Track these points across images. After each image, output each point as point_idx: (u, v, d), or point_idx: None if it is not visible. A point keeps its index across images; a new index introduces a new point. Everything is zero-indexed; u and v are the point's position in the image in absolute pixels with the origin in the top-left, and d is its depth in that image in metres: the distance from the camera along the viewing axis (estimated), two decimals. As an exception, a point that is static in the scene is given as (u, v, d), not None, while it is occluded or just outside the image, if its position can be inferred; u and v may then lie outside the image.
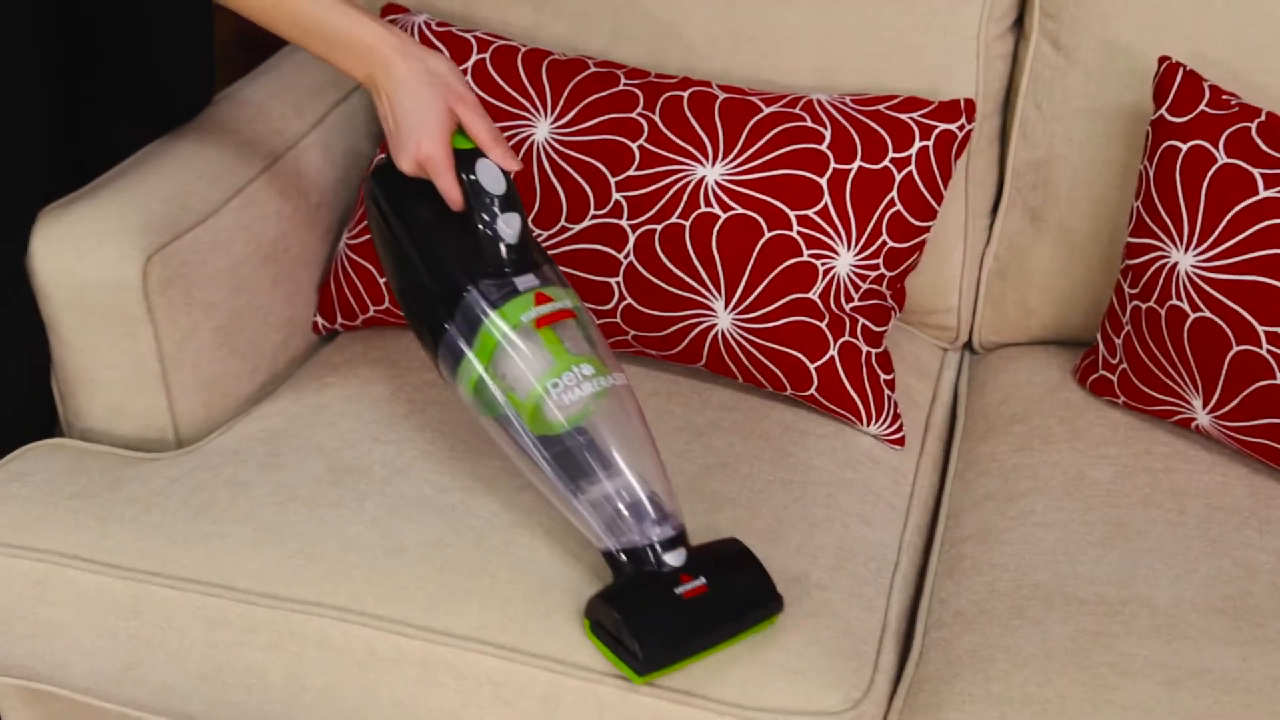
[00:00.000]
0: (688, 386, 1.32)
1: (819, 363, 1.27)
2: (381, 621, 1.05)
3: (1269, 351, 1.16)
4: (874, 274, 1.28)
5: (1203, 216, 1.20)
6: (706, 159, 1.27)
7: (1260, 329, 1.16)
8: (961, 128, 1.31)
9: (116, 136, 1.33)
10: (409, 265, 1.09)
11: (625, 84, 1.33)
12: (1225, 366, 1.18)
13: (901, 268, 1.32)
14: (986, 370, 1.44)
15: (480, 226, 1.06)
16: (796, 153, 1.27)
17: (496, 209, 1.06)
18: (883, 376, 1.30)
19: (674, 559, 1.01)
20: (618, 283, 1.29)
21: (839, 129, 1.28)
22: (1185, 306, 1.20)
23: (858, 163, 1.27)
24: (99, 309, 1.21)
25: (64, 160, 1.28)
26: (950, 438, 1.39)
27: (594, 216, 1.29)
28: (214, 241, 1.27)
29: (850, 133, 1.28)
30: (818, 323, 1.26)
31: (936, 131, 1.30)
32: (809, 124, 1.29)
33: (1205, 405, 1.22)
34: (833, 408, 1.29)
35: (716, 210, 1.26)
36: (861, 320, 1.29)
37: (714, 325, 1.27)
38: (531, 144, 1.32)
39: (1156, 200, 1.24)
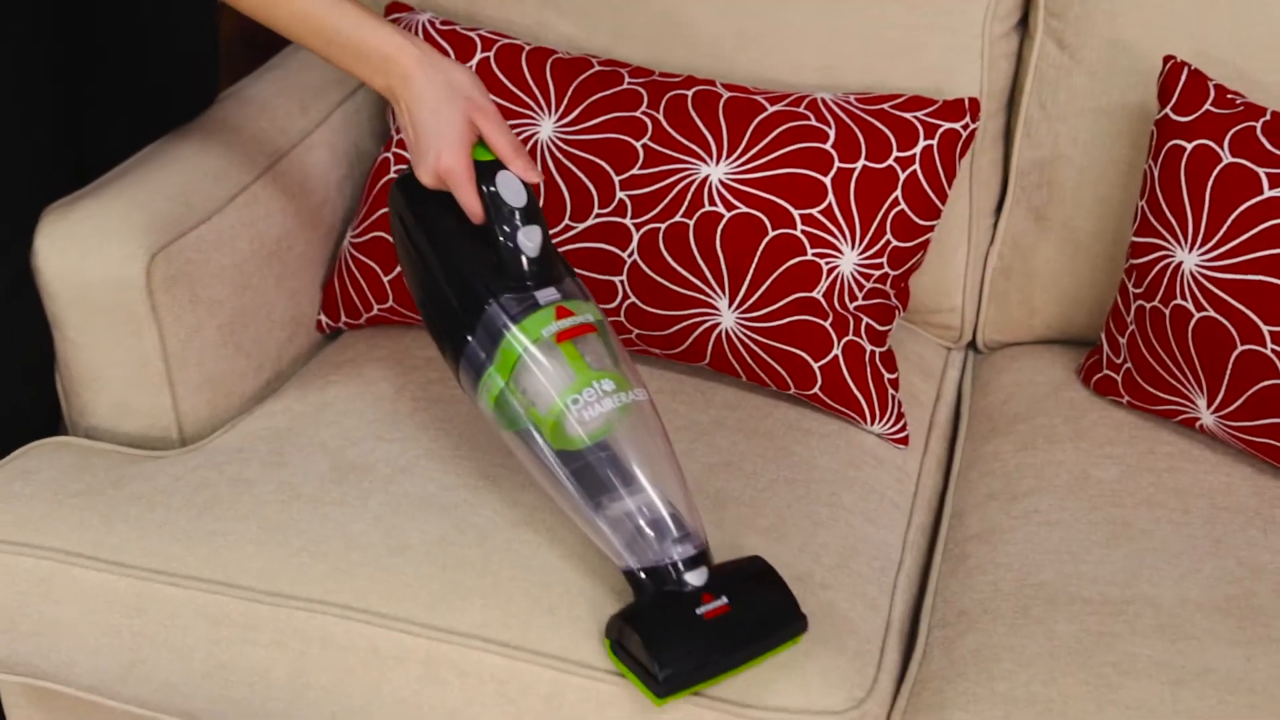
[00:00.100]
0: (691, 385, 1.32)
1: (823, 362, 1.27)
2: (385, 619, 1.05)
3: (1273, 351, 1.16)
4: (878, 273, 1.28)
5: (1207, 216, 1.19)
6: (710, 158, 1.27)
7: (1265, 328, 1.16)
8: (966, 127, 1.31)
9: (117, 137, 1.33)
10: (431, 278, 1.08)
11: (629, 82, 1.33)
12: (1230, 366, 1.18)
13: (905, 267, 1.32)
14: (990, 369, 1.44)
15: (501, 239, 1.05)
16: (800, 151, 1.27)
17: (517, 221, 1.05)
18: (886, 375, 1.30)
19: (695, 578, 0.99)
20: (621, 281, 1.29)
21: (843, 128, 1.28)
22: (1190, 306, 1.20)
23: (862, 162, 1.27)
24: (103, 307, 1.21)
25: (64, 160, 1.28)
26: (954, 437, 1.39)
27: (598, 215, 1.29)
28: (218, 240, 1.27)
29: (854, 132, 1.28)
30: (821, 322, 1.26)
31: (941, 131, 1.30)
32: (813, 123, 1.29)
33: (1210, 405, 1.22)
34: (836, 407, 1.29)
35: (720, 209, 1.26)
36: (865, 319, 1.29)
37: (718, 324, 1.27)
38: (536, 142, 1.32)
39: (1161, 199, 1.24)
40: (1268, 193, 1.17)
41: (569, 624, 1.03)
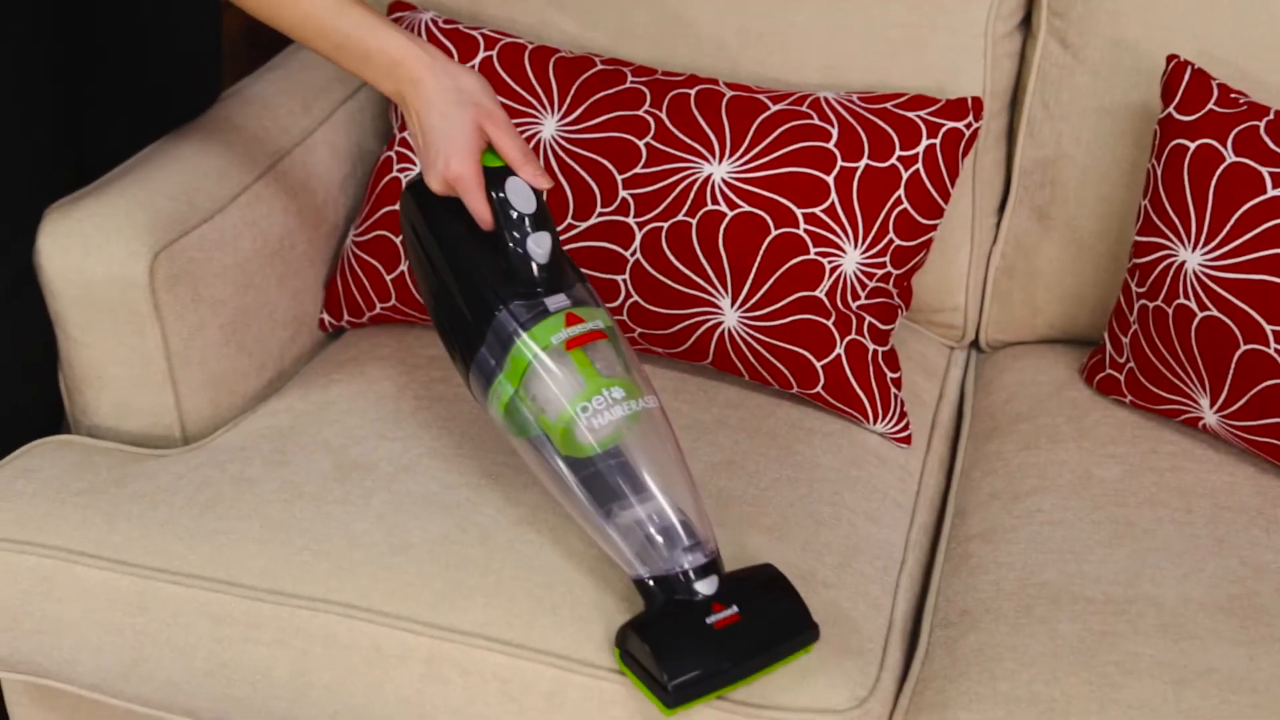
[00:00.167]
0: (694, 384, 1.32)
1: (825, 361, 1.27)
2: (387, 618, 1.05)
3: (1276, 350, 1.16)
4: (881, 272, 1.28)
5: (1210, 215, 1.19)
6: (713, 156, 1.27)
7: (1268, 328, 1.16)
8: (969, 126, 1.31)
9: (117, 137, 1.33)
10: (441, 284, 1.08)
11: (632, 81, 1.33)
12: (1233, 366, 1.18)
13: (908, 266, 1.32)
14: (993, 369, 1.44)
15: (511, 245, 1.04)
16: (803, 150, 1.27)
17: (527, 228, 1.04)
18: (889, 375, 1.30)
19: (706, 587, 0.98)
20: (624, 280, 1.29)
21: (846, 127, 1.28)
22: (1193, 305, 1.20)
23: (865, 161, 1.27)
24: (106, 306, 1.21)
25: (65, 160, 1.28)
26: (957, 436, 1.39)
27: (600, 214, 1.29)
28: (221, 239, 1.28)
29: (857, 131, 1.28)
30: (824, 321, 1.26)
31: (944, 130, 1.29)
32: (816, 122, 1.29)
33: (1213, 404, 1.22)
34: (839, 406, 1.29)
35: (723, 208, 1.26)
36: (868, 318, 1.29)
37: (720, 323, 1.27)
38: (539, 141, 1.32)
39: (1164, 199, 1.23)
40: (1270, 192, 1.17)
41: (571, 623, 1.03)
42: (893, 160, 1.28)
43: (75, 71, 1.27)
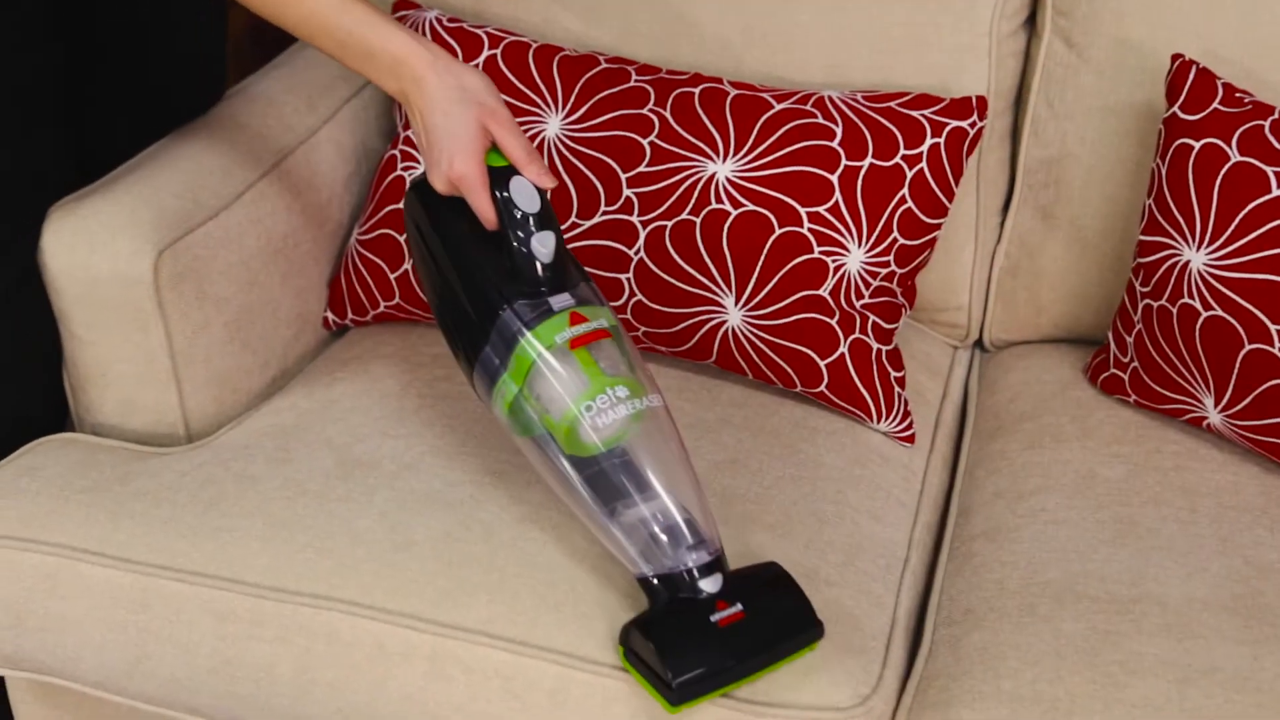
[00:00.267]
0: (698, 383, 1.32)
1: (829, 360, 1.26)
2: (390, 615, 1.05)
3: (1281, 350, 1.15)
4: (884, 271, 1.28)
5: (1215, 214, 1.19)
6: (717, 155, 1.27)
7: (1272, 327, 1.15)
8: (973, 125, 1.31)
9: (120, 136, 1.34)
10: (445, 283, 1.08)
11: (636, 80, 1.33)
12: (1237, 365, 1.18)
13: (912, 265, 1.32)
14: (997, 368, 1.44)
15: (515, 245, 1.04)
16: (807, 149, 1.27)
17: (531, 227, 1.04)
18: (893, 374, 1.30)
19: (710, 585, 0.98)
20: (628, 279, 1.29)
21: (850, 126, 1.28)
22: (1197, 305, 1.20)
23: (869, 160, 1.27)
24: (111, 304, 1.21)
25: (67, 160, 1.28)
26: (960, 435, 1.38)
27: (604, 212, 1.29)
28: (225, 237, 1.28)
29: (861, 129, 1.28)
30: (828, 320, 1.26)
31: (948, 129, 1.29)
32: (820, 121, 1.28)
33: (1217, 404, 1.22)
34: (843, 405, 1.29)
35: (727, 207, 1.26)
36: (872, 317, 1.29)
37: (724, 322, 1.27)
38: (543, 140, 1.32)
39: (1169, 198, 1.23)
40: (1275, 191, 1.17)
41: (574, 620, 1.03)
42: (897, 159, 1.28)
43: (76, 71, 1.27)
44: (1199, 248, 1.20)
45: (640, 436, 1.02)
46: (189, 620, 1.09)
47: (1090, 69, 1.35)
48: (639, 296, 1.29)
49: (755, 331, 1.27)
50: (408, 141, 1.39)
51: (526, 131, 1.33)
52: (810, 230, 1.25)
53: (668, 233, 1.27)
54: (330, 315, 1.43)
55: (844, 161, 1.27)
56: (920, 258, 1.32)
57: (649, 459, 1.02)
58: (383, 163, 1.41)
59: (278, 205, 1.34)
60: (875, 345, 1.28)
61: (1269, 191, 1.17)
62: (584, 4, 1.44)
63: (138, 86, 1.36)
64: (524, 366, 1.02)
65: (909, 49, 1.37)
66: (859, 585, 1.11)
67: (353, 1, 1.08)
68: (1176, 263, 1.22)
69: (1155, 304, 1.24)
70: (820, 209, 1.26)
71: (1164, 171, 1.24)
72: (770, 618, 0.99)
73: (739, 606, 0.98)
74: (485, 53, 1.37)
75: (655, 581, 0.99)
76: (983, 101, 1.32)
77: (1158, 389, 1.27)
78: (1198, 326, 1.20)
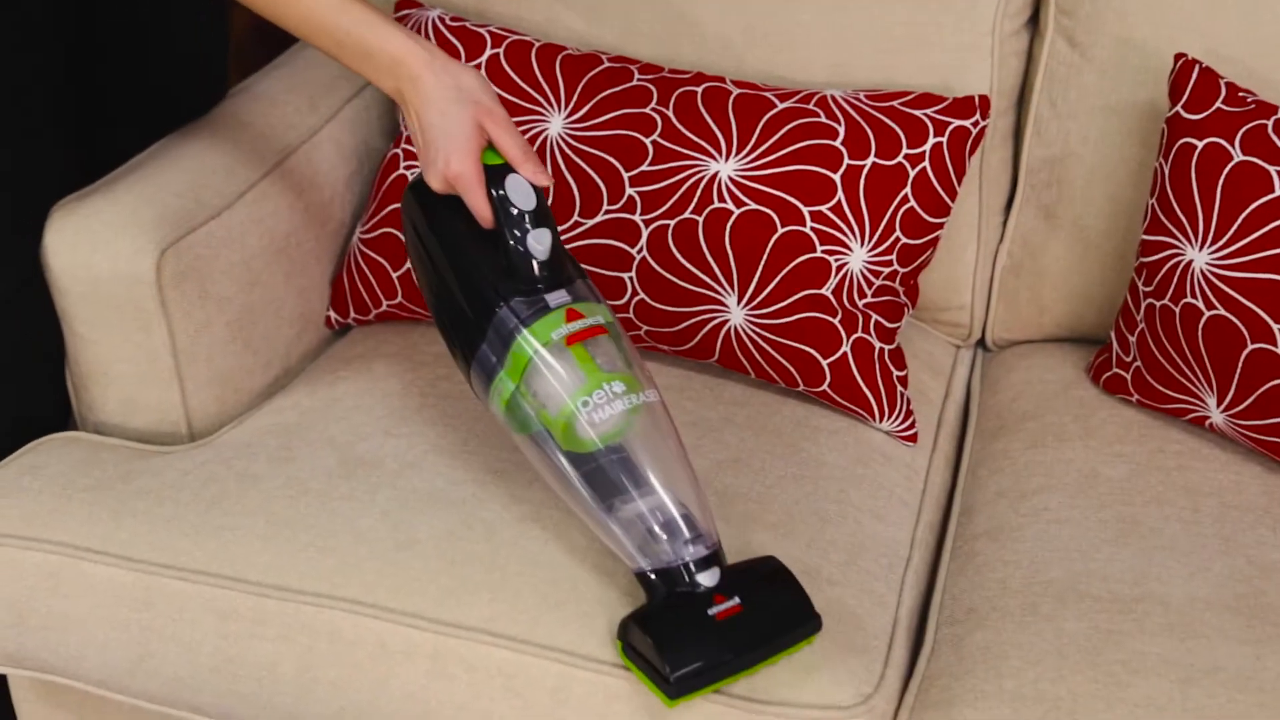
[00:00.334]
0: (700, 382, 1.32)
1: (832, 359, 1.26)
2: (393, 614, 1.05)
3: (1284, 349, 1.15)
4: (887, 270, 1.28)
5: (1218, 214, 1.19)
6: (720, 154, 1.27)
7: (1275, 327, 1.15)
8: (976, 124, 1.31)
9: (121, 137, 1.34)
10: (442, 282, 1.08)
11: (639, 79, 1.33)
12: (1240, 364, 1.18)
13: (915, 264, 1.32)
14: (999, 367, 1.44)
15: (511, 243, 1.04)
16: (810, 148, 1.27)
17: (527, 225, 1.04)
18: (895, 373, 1.30)
19: (707, 579, 0.98)
20: (630, 278, 1.29)
21: (853, 125, 1.28)
22: (1200, 304, 1.20)
23: (871, 159, 1.27)
24: (113, 303, 1.22)
25: (71, 160, 1.28)
26: (963, 434, 1.38)
27: (607, 211, 1.29)
28: (227, 236, 1.28)
29: (864, 129, 1.28)
30: (830, 319, 1.26)
31: (951, 128, 1.29)
32: (822, 120, 1.28)
33: (1219, 403, 1.22)
34: (845, 404, 1.29)
35: (730, 206, 1.26)
36: (874, 316, 1.29)
37: (726, 321, 1.27)
38: (545, 139, 1.32)
39: (1171, 198, 1.23)
40: (1278, 191, 1.17)
41: (576, 618, 1.03)
42: (899, 158, 1.28)
43: (77, 71, 1.27)
44: (1201, 247, 1.20)
45: (637, 432, 1.02)
46: (191, 619, 1.09)
47: (1093, 68, 1.35)
48: (641, 295, 1.29)
49: (758, 330, 1.27)
50: (410, 140, 1.39)
51: (529, 131, 1.33)
52: (813, 229, 1.25)
53: (670, 232, 1.27)
54: (332, 314, 1.43)
55: (846, 161, 1.27)
56: (923, 257, 1.32)
57: (646, 454, 1.02)
58: (385, 162, 1.41)
59: (280, 204, 1.35)
60: (878, 344, 1.28)
61: (1271, 191, 1.17)
62: (586, 3, 1.44)
63: (139, 86, 1.36)
64: (521, 363, 1.02)
65: (911, 48, 1.37)
66: (861, 584, 1.10)
67: (351, 1, 1.08)
68: (1179, 262, 1.22)
69: (1158, 303, 1.24)
70: (823, 208, 1.26)
71: (1167, 171, 1.24)
72: (768, 611, 1.00)
73: (736, 600, 0.98)
74: (488, 52, 1.37)
75: (653, 576, 1.00)
76: (985, 101, 1.32)
77: (1160, 388, 1.27)
78: (1200, 326, 1.20)
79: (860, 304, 1.27)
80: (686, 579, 0.99)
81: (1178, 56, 1.26)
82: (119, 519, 1.13)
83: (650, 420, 1.04)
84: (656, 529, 1.00)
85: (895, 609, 1.11)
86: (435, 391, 1.27)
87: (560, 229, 1.30)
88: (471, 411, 1.23)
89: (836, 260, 1.26)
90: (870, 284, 1.27)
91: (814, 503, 1.17)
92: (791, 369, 1.28)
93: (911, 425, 1.30)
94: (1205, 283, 1.19)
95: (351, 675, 1.06)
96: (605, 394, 1.01)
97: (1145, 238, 1.27)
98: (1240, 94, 1.23)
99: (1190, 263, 1.21)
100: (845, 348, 1.26)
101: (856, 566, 1.12)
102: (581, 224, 1.30)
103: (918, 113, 1.30)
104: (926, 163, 1.28)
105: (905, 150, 1.28)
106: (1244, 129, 1.20)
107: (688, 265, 1.27)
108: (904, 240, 1.28)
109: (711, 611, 0.97)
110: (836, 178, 1.26)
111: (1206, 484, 1.21)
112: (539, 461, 1.04)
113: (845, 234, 1.26)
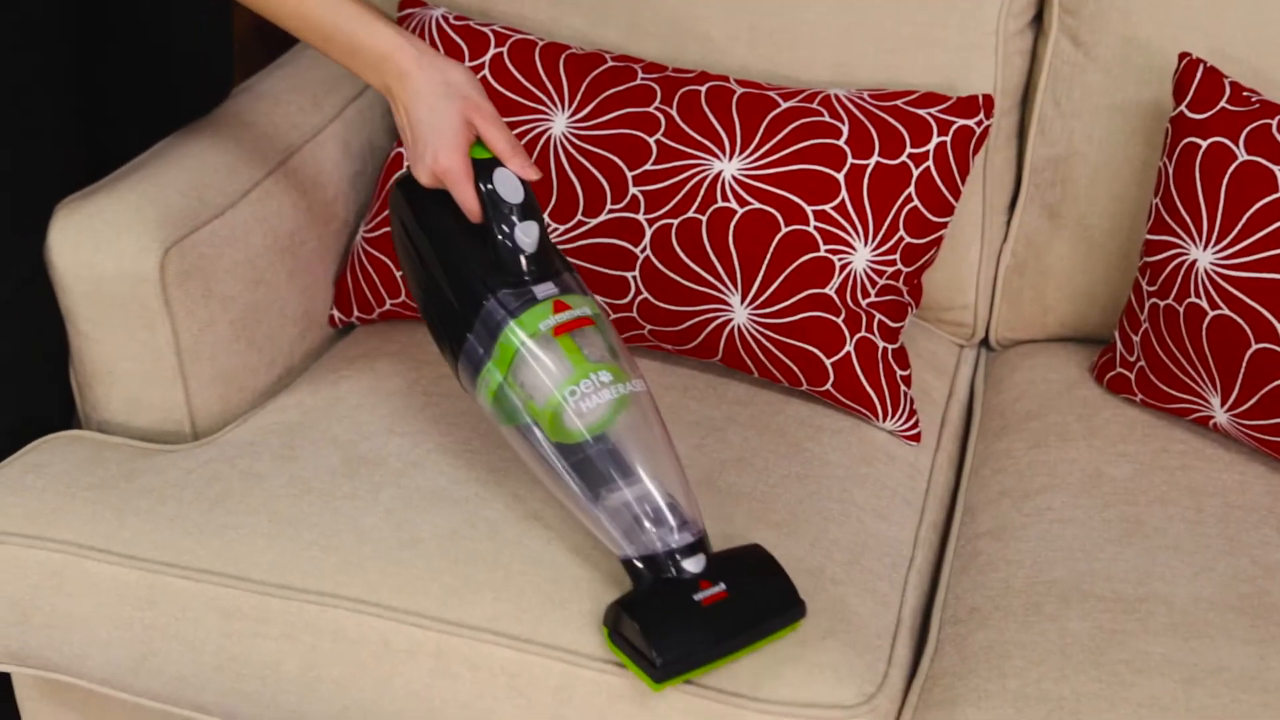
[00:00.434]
0: (703, 381, 1.32)
1: (835, 358, 1.26)
2: (396, 613, 1.05)
3: (1288, 349, 1.15)
4: (891, 270, 1.28)
5: (1222, 214, 1.19)
6: (723, 154, 1.27)
7: (1279, 326, 1.15)
8: (980, 123, 1.30)
9: (124, 137, 1.34)
10: (430, 277, 1.09)
11: (642, 78, 1.33)
12: (1244, 364, 1.18)
13: (918, 264, 1.32)
14: (1003, 367, 1.44)
15: (499, 236, 1.05)
16: (813, 148, 1.27)
17: (515, 218, 1.05)
18: (899, 372, 1.30)
19: (693, 566, 0.99)
20: (634, 277, 1.29)
21: (856, 124, 1.28)
22: (1204, 304, 1.19)
23: (875, 158, 1.27)
24: (117, 301, 1.22)
25: (75, 159, 1.28)
26: (966, 434, 1.38)
27: (611, 211, 1.29)
28: (231, 234, 1.28)
29: (868, 128, 1.28)
30: (834, 318, 1.26)
31: (954, 127, 1.29)
32: (826, 119, 1.28)
33: (1223, 403, 1.22)
34: (848, 403, 1.29)
35: (733, 205, 1.26)
36: (878, 316, 1.28)
37: (730, 320, 1.27)
38: (548, 138, 1.32)
39: (1176, 197, 1.23)
40: (1283, 190, 1.17)
41: (579, 618, 1.03)
42: (903, 158, 1.28)
43: (79, 71, 1.27)
44: (1206, 247, 1.20)
45: (623, 422, 1.03)
46: (195, 617, 1.09)
47: (1097, 67, 1.35)
48: (645, 295, 1.29)
49: (761, 330, 1.27)
50: (413, 139, 1.39)
51: (532, 130, 1.33)
52: (816, 228, 1.25)
53: (674, 231, 1.27)
54: (336, 313, 1.43)
55: (850, 160, 1.27)
56: (926, 256, 1.32)
57: (632, 443, 1.03)
58: (388, 160, 1.41)
59: (284, 203, 1.35)
60: (881, 344, 1.28)
61: (1276, 190, 1.17)
62: (590, 3, 1.44)
63: (140, 86, 1.36)
64: (508, 354, 1.03)
65: (915, 47, 1.37)
66: (864, 584, 1.10)
67: None
68: (1183, 262, 1.22)
69: (1162, 303, 1.24)
70: (826, 207, 1.26)
71: (1171, 170, 1.24)
72: (753, 598, 1.01)
73: (722, 586, 0.99)
74: (491, 51, 1.37)
75: (639, 563, 1.00)
76: (989, 100, 1.32)
77: (1164, 388, 1.27)
78: (1204, 326, 1.20)
79: (864, 303, 1.27)
80: (672, 566, 1.00)
81: (1182, 56, 1.26)
82: (122, 517, 1.13)
83: (637, 410, 1.04)
84: (642, 516, 1.01)
85: (898, 608, 1.11)
86: (438, 390, 1.27)
87: (564, 228, 1.30)
88: (475, 411, 1.23)
89: (840, 260, 1.26)
90: (874, 283, 1.27)
91: (817, 502, 1.17)
92: (795, 368, 1.28)
93: (915, 425, 1.30)
94: (1209, 282, 1.19)
95: (355, 674, 1.06)
96: (592, 384, 1.02)
97: (1149, 237, 1.26)
98: (1245, 93, 1.23)
99: (1194, 262, 1.20)
100: (849, 347, 1.26)
101: (860, 566, 1.12)
102: (585, 223, 1.30)
103: (921, 112, 1.30)
104: (930, 162, 1.28)
105: (909, 149, 1.28)
106: (1248, 128, 1.20)
107: (691, 264, 1.27)
108: (908, 240, 1.28)
109: (697, 597, 0.98)
110: (840, 177, 1.26)
111: (1210, 484, 1.21)
112: (525, 453, 1.05)
113: (849, 233, 1.26)
